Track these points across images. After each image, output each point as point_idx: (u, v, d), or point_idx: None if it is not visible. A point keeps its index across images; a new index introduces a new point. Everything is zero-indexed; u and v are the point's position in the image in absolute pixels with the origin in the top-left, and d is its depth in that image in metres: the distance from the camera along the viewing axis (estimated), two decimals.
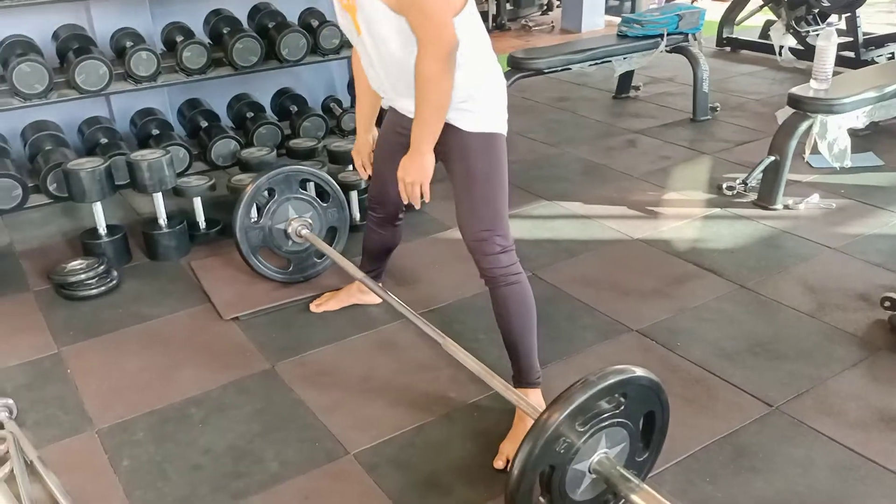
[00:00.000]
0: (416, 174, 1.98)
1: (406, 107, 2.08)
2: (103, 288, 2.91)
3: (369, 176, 2.50)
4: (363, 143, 2.45)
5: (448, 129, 1.98)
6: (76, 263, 2.93)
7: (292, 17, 4.12)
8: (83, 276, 2.88)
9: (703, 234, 3.30)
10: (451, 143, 2.01)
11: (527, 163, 4.09)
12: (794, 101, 3.48)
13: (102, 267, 2.93)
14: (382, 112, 2.35)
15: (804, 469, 1.98)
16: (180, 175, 3.43)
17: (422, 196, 2.03)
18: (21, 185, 3.25)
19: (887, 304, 2.61)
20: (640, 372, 1.67)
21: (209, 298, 2.87)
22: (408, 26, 1.85)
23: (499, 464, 2.00)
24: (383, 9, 1.85)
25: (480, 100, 1.99)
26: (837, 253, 3.09)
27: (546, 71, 4.46)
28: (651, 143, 4.41)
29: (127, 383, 2.41)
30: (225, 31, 3.86)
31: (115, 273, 2.99)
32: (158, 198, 3.16)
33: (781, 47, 5.79)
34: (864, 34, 5.46)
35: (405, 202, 2.08)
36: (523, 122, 4.71)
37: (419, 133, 1.95)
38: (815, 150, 3.52)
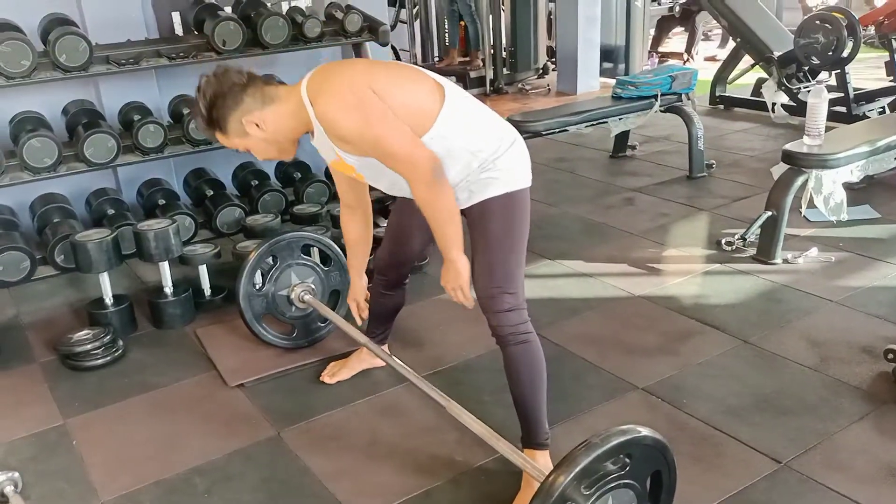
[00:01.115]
0: (455, 280, 2.05)
1: None
2: (109, 358, 2.92)
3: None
4: (358, 289, 2.56)
5: (477, 200, 2.06)
6: (82, 334, 2.95)
7: None
8: (89, 347, 2.90)
9: (705, 289, 3.32)
10: (474, 209, 2.08)
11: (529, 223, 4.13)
12: (789, 156, 3.54)
13: (108, 337, 2.95)
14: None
15: None
16: (186, 243, 3.48)
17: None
18: (29, 257, 3.29)
19: (891, 356, 2.61)
20: (644, 432, 1.67)
21: (214, 366, 2.89)
22: None
23: None
24: (362, 159, 2.00)
25: (501, 165, 2.04)
26: (838, 306, 3.10)
27: (544, 133, 4.55)
28: (649, 201, 4.47)
29: (132, 453, 2.41)
30: None
31: (120, 342, 3.01)
32: (164, 267, 3.20)
33: (774, 104, 5.90)
34: (855, 89, 5.57)
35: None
36: None
37: (443, 244, 2.01)
38: (811, 205, 3.57)
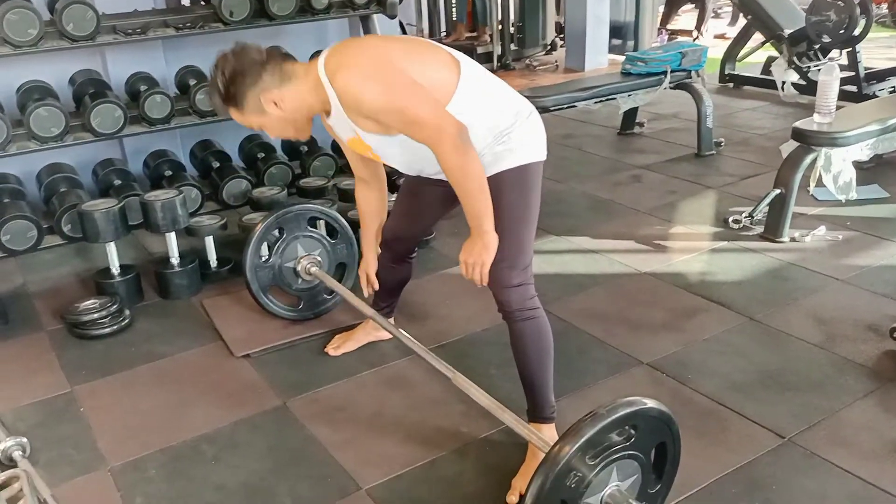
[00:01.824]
0: (480, 254, 1.97)
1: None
2: (116, 327, 2.94)
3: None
4: (370, 262, 2.54)
5: (492, 173, 2.02)
6: (89, 303, 2.96)
7: (303, 58, 4.18)
8: (96, 316, 2.91)
9: (711, 267, 3.31)
10: (488, 182, 2.00)
11: None
12: (799, 134, 3.51)
13: (115, 306, 2.96)
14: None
15: (818, 501, 1.97)
16: (192, 215, 3.48)
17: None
18: (36, 226, 3.30)
19: None
20: (650, 403, 1.67)
21: (220, 336, 2.90)
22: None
23: (512, 499, 2.00)
24: (382, 137, 1.98)
25: (516, 137, 2.02)
26: (845, 284, 3.09)
27: (552, 109, 4.52)
28: (657, 178, 4.45)
29: (139, 421, 2.43)
30: None
31: (127, 312, 3.02)
32: (171, 237, 3.21)
33: (784, 83, 5.85)
34: (866, 69, 5.52)
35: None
36: None
37: (474, 214, 1.94)
38: (819, 183, 3.55)
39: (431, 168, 2.07)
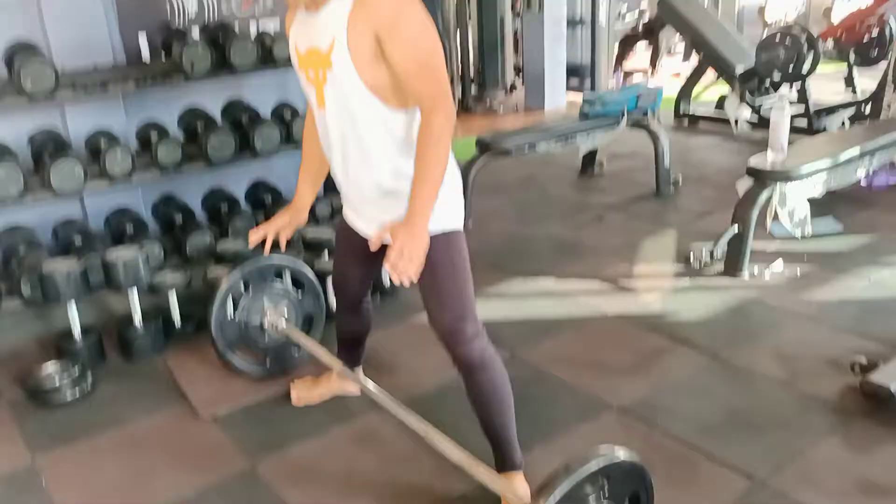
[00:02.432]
0: (413, 245, 1.80)
1: (370, 220, 2.06)
2: (78, 392, 2.87)
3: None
4: (290, 208, 2.40)
5: None
6: (50, 368, 2.90)
7: (265, 110, 4.22)
8: (57, 382, 2.85)
9: (675, 305, 3.36)
10: None
11: (500, 242, 4.16)
12: (753, 171, 3.61)
13: (77, 370, 2.90)
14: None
15: None
16: (155, 271, 3.43)
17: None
18: None
19: (857, 368, 2.67)
20: (622, 456, 1.69)
21: (186, 397, 2.85)
22: (381, 108, 1.83)
23: None
24: (359, 87, 1.82)
25: (441, 198, 1.88)
26: (805, 319, 3.16)
27: (514, 152, 4.58)
28: (618, 218, 4.52)
29: (104, 492, 2.37)
30: (199, 127, 3.94)
31: (89, 376, 2.95)
32: (133, 296, 3.16)
33: (737, 119, 6.01)
34: (815, 104, 5.70)
35: (393, 281, 1.85)
36: (494, 202, 4.81)
37: (421, 196, 1.81)
38: (776, 219, 3.63)
39: (368, 202, 2.02)
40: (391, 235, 1.85)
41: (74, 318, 3.09)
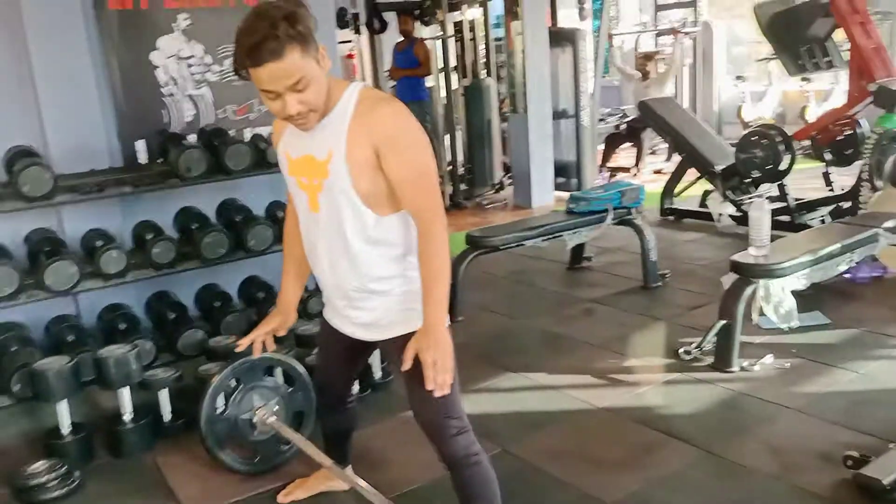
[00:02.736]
0: (441, 350, 1.86)
1: (353, 321, 2.12)
2: (65, 490, 2.83)
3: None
4: (278, 309, 2.39)
5: (400, 333, 2.03)
6: (37, 466, 2.86)
7: (259, 209, 4.32)
8: (44, 479, 2.81)
9: (666, 399, 3.37)
10: (399, 342, 1.99)
11: (489, 336, 4.19)
12: (737, 267, 3.69)
13: (64, 468, 2.87)
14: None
15: None
16: (147, 368, 3.44)
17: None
18: None
19: (850, 462, 2.66)
20: None
21: (174, 495, 2.81)
22: (371, 217, 1.91)
23: None
24: (354, 198, 1.89)
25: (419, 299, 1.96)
26: (796, 413, 3.17)
27: (502, 247, 4.68)
28: (607, 311, 4.57)
29: None
30: (194, 227, 4.03)
31: (77, 474, 2.92)
32: (124, 393, 3.16)
33: (721, 214, 6.16)
34: (796, 199, 5.87)
35: (428, 388, 1.88)
36: (483, 296, 4.86)
37: (435, 304, 1.89)
38: (762, 313, 3.69)
39: (355, 306, 2.07)
40: (418, 352, 1.88)
41: (64, 415, 3.08)
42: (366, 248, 1.97)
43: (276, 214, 4.24)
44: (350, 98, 1.87)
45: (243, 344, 2.43)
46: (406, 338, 1.96)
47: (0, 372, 3.42)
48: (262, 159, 4.10)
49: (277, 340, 3.61)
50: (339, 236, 1.97)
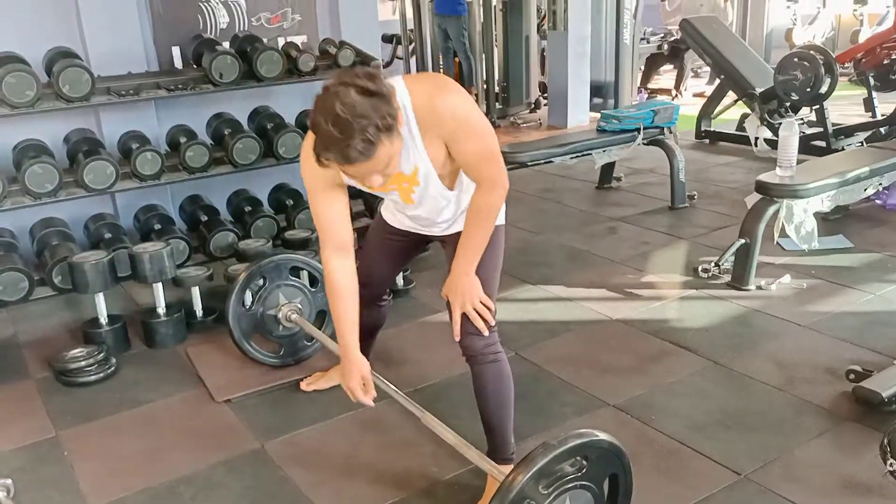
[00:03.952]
0: (471, 292, 2.08)
1: (428, 232, 2.29)
2: (101, 374, 3.03)
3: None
4: (355, 362, 2.16)
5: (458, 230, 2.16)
6: (76, 351, 3.06)
7: (290, 117, 4.39)
8: (83, 364, 3.00)
9: (679, 314, 3.43)
10: (456, 237, 2.15)
11: (514, 250, 4.25)
12: (761, 187, 3.68)
13: (101, 354, 3.06)
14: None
15: None
16: (180, 266, 3.60)
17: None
18: (28, 277, 3.41)
19: (852, 376, 2.72)
20: (601, 436, 1.78)
21: (203, 382, 2.99)
22: (455, 192, 2.09)
23: None
24: (444, 190, 2.06)
25: None
26: (807, 330, 3.21)
27: (530, 164, 4.71)
28: (631, 230, 4.60)
29: (121, 464, 2.51)
30: (226, 132, 4.12)
31: (113, 360, 3.11)
32: (158, 288, 3.32)
33: (757, 139, 6.06)
34: (834, 125, 5.74)
35: (472, 330, 2.11)
36: (511, 213, 4.82)
37: (470, 255, 2.08)
38: (783, 234, 3.70)
39: (432, 227, 2.24)
40: (454, 292, 2.10)
41: (102, 307, 3.26)
42: (453, 206, 2.15)
43: (307, 123, 4.30)
44: (406, 112, 1.85)
45: (358, 395, 2.21)
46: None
47: (42, 265, 3.61)
48: (294, 67, 4.14)
49: (303, 245, 3.77)
50: (434, 211, 2.14)
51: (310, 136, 1.79)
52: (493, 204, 2.04)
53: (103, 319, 3.27)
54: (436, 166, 1.98)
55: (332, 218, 2.08)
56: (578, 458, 1.75)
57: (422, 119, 1.88)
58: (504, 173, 2.02)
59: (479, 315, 2.11)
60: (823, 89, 5.48)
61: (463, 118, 1.89)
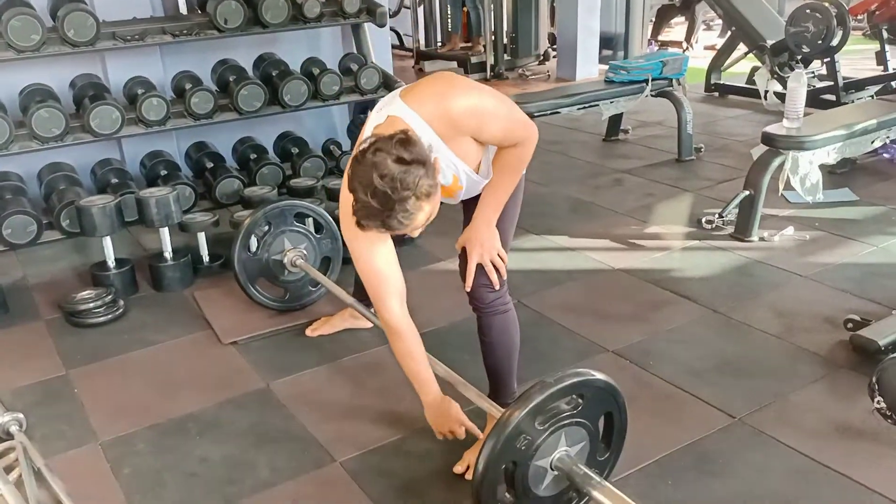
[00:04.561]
0: (490, 242, 2.08)
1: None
2: (110, 316, 3.08)
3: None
4: (452, 404, 2.10)
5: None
6: (85, 293, 3.11)
7: (295, 65, 4.37)
8: (91, 305, 3.06)
9: (681, 264, 3.46)
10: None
11: None
12: (767, 138, 3.66)
13: (110, 297, 3.11)
14: None
15: (761, 473, 2.11)
16: (186, 212, 3.63)
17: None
18: (36, 221, 3.46)
19: (850, 325, 2.75)
20: (596, 375, 1.82)
21: (210, 325, 3.04)
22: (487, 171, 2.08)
23: (458, 469, 2.14)
24: (478, 178, 2.07)
25: None
26: (807, 280, 3.24)
27: (537, 114, 4.67)
28: (637, 182, 4.60)
29: (130, 402, 2.57)
30: (231, 79, 4.12)
31: (121, 303, 3.16)
32: (165, 232, 3.36)
33: (766, 92, 6.01)
34: (845, 78, 5.68)
35: (485, 282, 2.12)
36: None
37: (495, 204, 2.08)
38: (788, 186, 3.69)
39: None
40: (471, 241, 2.10)
41: (109, 250, 3.30)
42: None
43: (312, 71, 4.29)
44: (426, 134, 1.83)
45: (460, 433, 2.13)
46: None
47: (49, 209, 3.65)
48: (300, 13, 4.12)
49: (308, 193, 3.79)
50: (471, 195, 2.15)
51: (346, 198, 1.76)
52: (523, 156, 2.04)
53: (111, 263, 3.31)
54: (470, 164, 2.01)
55: (388, 270, 2.00)
56: (574, 395, 1.79)
57: (442, 132, 1.88)
58: (530, 127, 2.01)
59: (495, 268, 2.12)
60: (835, 42, 5.41)
61: (478, 112, 1.89)
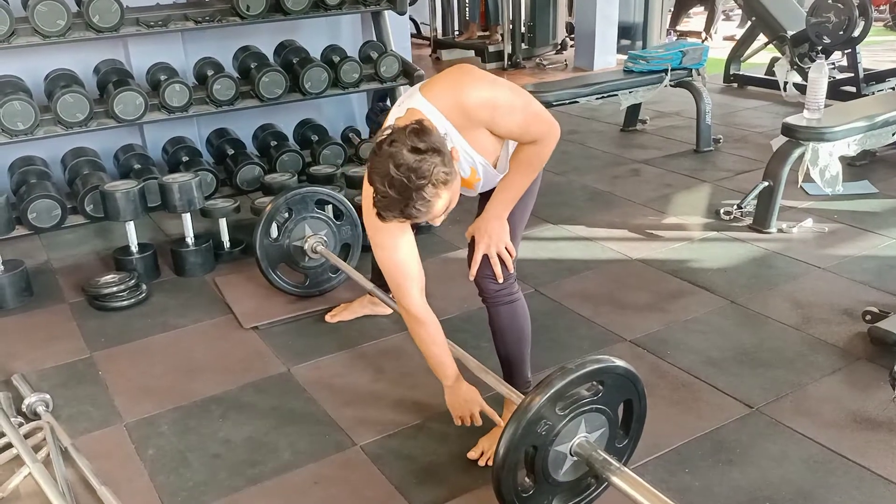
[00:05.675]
0: (499, 235, 2.09)
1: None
2: (133, 300, 3.13)
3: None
4: (473, 391, 2.15)
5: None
6: (109, 277, 3.16)
7: (315, 53, 4.40)
8: (115, 289, 3.10)
9: (699, 254, 3.46)
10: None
11: None
12: (787, 129, 3.65)
13: (133, 281, 3.15)
14: None
15: (778, 462, 2.13)
16: (207, 198, 3.67)
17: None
18: (60, 205, 3.50)
19: (868, 317, 2.76)
20: (617, 362, 1.84)
21: (231, 310, 3.08)
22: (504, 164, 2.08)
23: (471, 455, 2.17)
24: (495, 172, 2.08)
25: None
26: (826, 272, 3.23)
27: (555, 103, 4.68)
28: (654, 172, 4.60)
29: (153, 383, 2.61)
30: (252, 66, 4.14)
31: (144, 287, 3.21)
32: (187, 218, 3.40)
33: (786, 83, 5.97)
34: (866, 70, 5.63)
35: (488, 273, 2.13)
36: None
37: (508, 200, 2.08)
38: (807, 177, 3.68)
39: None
40: (481, 232, 2.11)
41: (132, 235, 3.35)
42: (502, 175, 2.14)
43: (332, 58, 4.31)
44: (443, 124, 1.87)
45: (478, 419, 2.18)
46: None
47: (74, 193, 3.69)
48: (321, 1, 4.13)
49: (328, 180, 3.82)
50: (488, 186, 2.16)
51: (368, 191, 1.79)
52: (542, 154, 2.03)
53: (134, 247, 3.36)
54: (487, 156, 2.01)
55: (409, 262, 2.03)
56: (594, 382, 1.81)
57: (459, 124, 1.90)
58: (552, 124, 1.99)
59: (501, 261, 2.13)
60: (856, 33, 5.36)
61: (493, 103, 1.89)
